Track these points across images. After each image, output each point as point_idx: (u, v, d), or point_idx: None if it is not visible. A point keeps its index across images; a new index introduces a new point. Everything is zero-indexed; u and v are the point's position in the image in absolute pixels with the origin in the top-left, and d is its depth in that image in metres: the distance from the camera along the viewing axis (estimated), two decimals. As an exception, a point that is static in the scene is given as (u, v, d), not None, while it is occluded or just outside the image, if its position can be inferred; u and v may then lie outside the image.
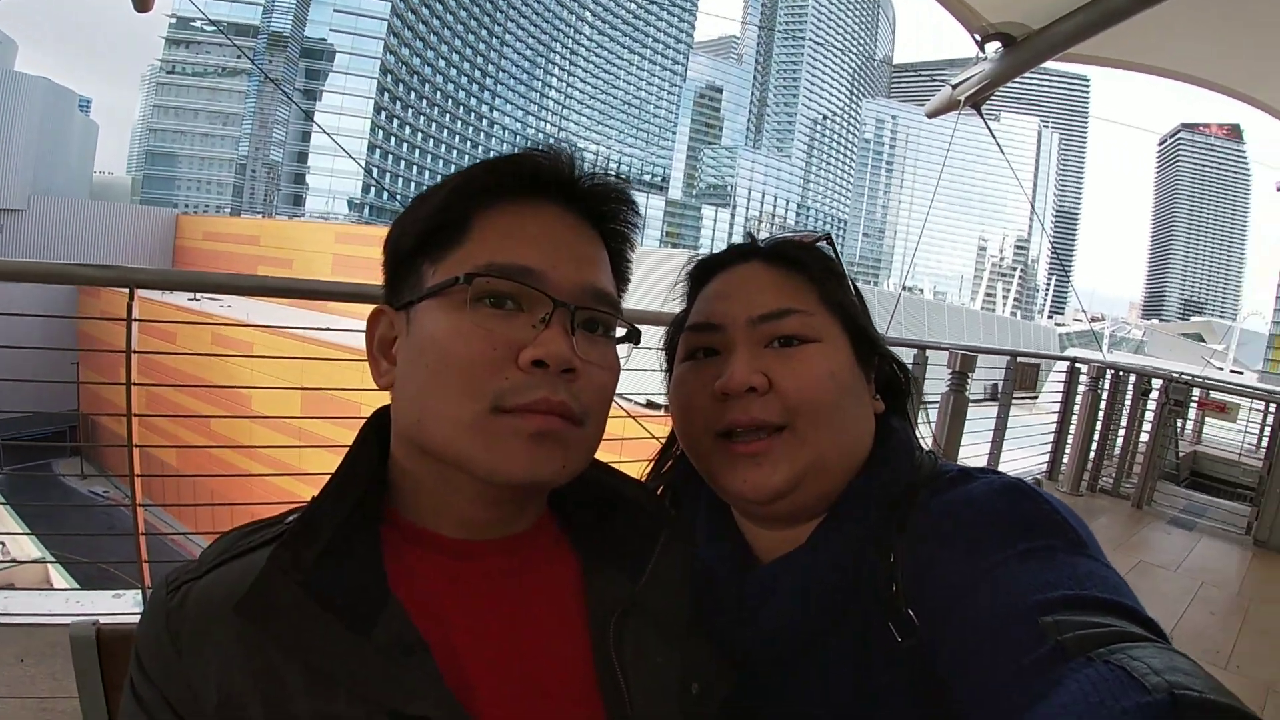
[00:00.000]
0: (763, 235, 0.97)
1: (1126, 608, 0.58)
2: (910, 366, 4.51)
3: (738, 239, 0.97)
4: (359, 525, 0.69)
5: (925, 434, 1.00)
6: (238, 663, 0.61)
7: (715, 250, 0.97)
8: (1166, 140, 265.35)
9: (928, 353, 4.72)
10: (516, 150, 0.73)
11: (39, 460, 29.31)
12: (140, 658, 0.65)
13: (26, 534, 11.45)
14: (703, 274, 0.96)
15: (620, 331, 0.78)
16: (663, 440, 1.07)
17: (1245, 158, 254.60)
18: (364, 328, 0.77)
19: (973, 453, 5.41)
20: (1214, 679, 0.48)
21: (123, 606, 2.78)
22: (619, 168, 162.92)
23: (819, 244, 0.95)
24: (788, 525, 0.87)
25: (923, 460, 0.88)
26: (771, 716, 0.84)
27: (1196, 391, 7.63)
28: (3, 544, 13.60)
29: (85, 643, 0.83)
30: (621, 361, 0.78)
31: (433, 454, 0.69)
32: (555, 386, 0.67)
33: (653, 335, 1.04)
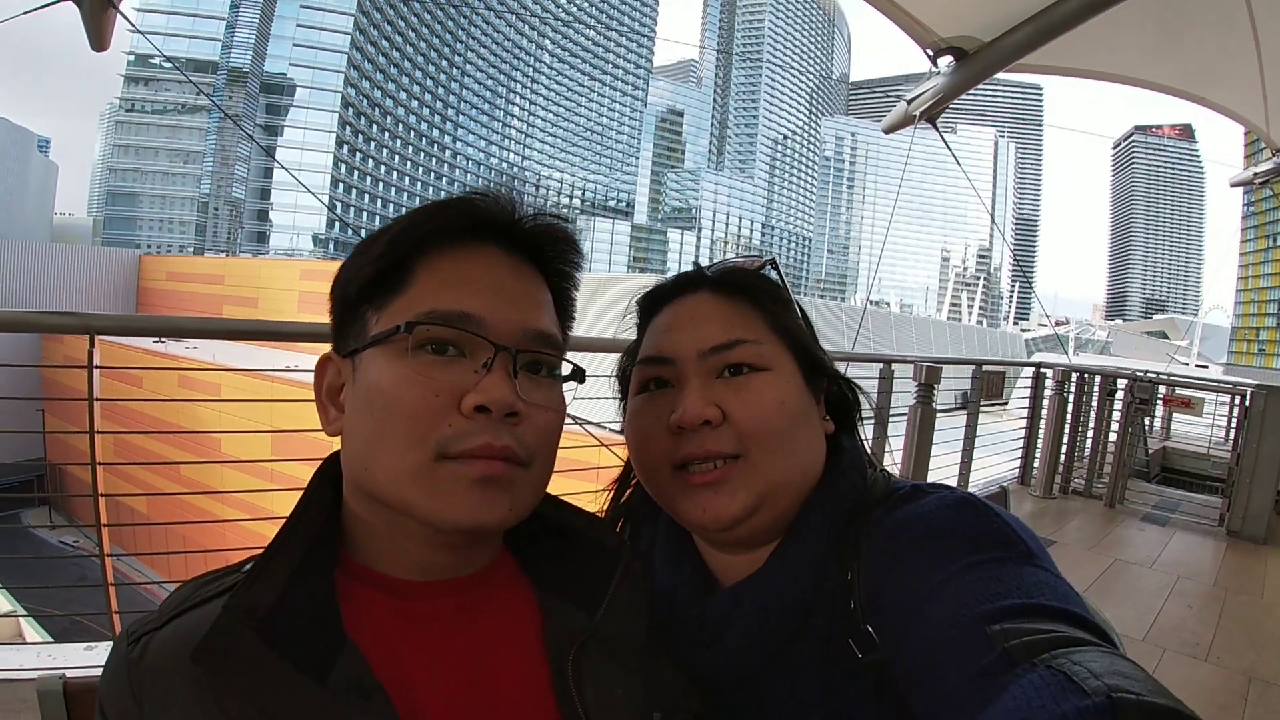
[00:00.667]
0: (719, 259, 0.98)
1: (1074, 615, 0.58)
2: (877, 381, 4.59)
3: (704, 261, 0.98)
4: (314, 570, 0.69)
5: (890, 447, 1.01)
6: (197, 711, 0.61)
7: (682, 272, 0.98)
8: (1120, 143, 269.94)
9: (893, 366, 4.76)
10: (469, 187, 0.73)
11: (7, 511, 28.66)
12: (105, 710, 0.66)
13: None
14: (652, 305, 0.97)
15: (565, 370, 0.78)
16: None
17: (1199, 156, 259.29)
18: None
19: (944, 462, 5.45)
20: (1156, 681, 0.48)
21: (95, 659, 2.70)
22: (584, 194, 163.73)
23: (765, 268, 0.96)
24: (746, 549, 0.89)
25: (875, 478, 0.90)
26: None
27: (1162, 389, 7.76)
28: (-31, 599, 13.29)
29: (53, 697, 0.84)
30: (569, 399, 0.79)
31: (380, 501, 0.69)
32: (499, 431, 0.67)
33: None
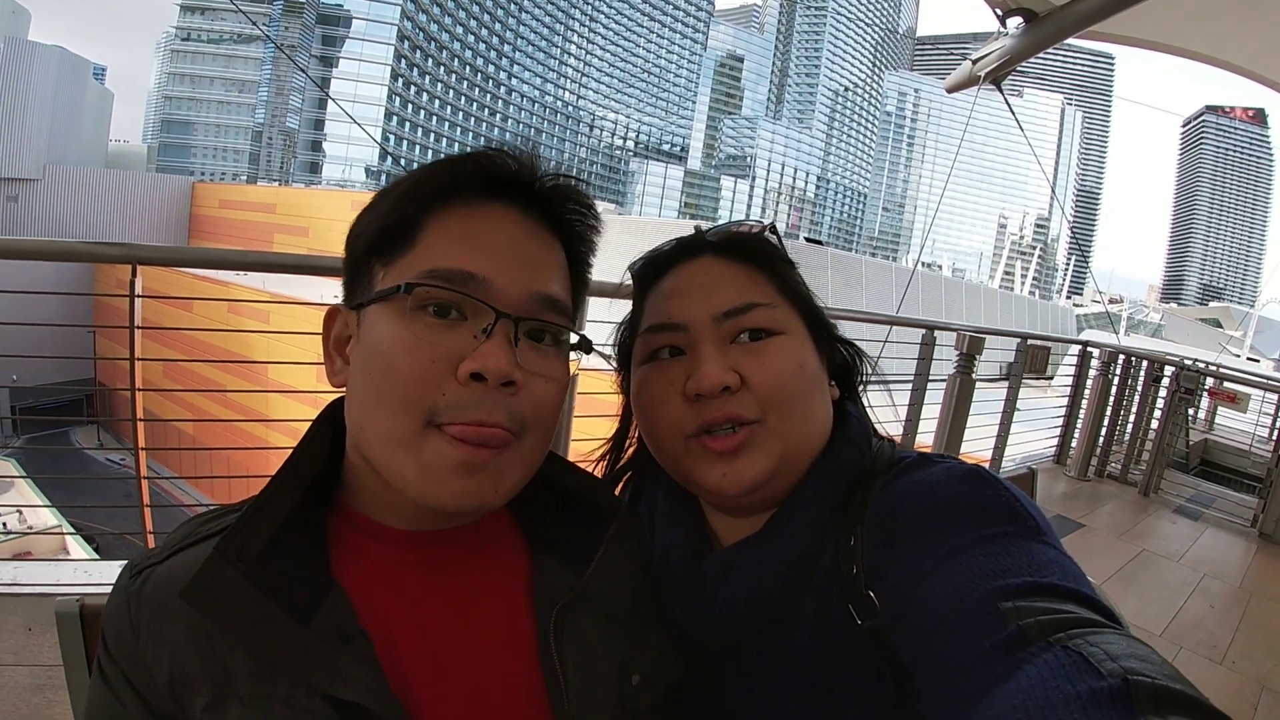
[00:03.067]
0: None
1: (1085, 596, 0.58)
2: (919, 347, 4.52)
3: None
4: (307, 515, 0.70)
5: (890, 416, 1.00)
6: (187, 646, 0.63)
7: (681, 236, 0.96)
8: (1190, 122, 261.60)
9: (936, 333, 4.69)
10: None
11: (58, 429, 29.70)
12: (105, 636, 0.68)
13: (45, 505, 11.61)
14: (651, 272, 0.95)
15: (573, 339, 0.77)
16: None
17: (1269, 143, 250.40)
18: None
19: (980, 434, 5.39)
20: (1171, 666, 0.48)
21: (129, 578, 2.81)
22: (637, 137, 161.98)
23: (766, 234, 0.94)
24: (754, 513, 0.88)
25: (880, 446, 0.90)
26: (731, 700, 0.85)
27: (1209, 380, 7.55)
28: (19, 512, 13.83)
29: (70, 618, 0.85)
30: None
31: (370, 464, 0.69)
32: (492, 406, 0.66)
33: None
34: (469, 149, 0.72)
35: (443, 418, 0.65)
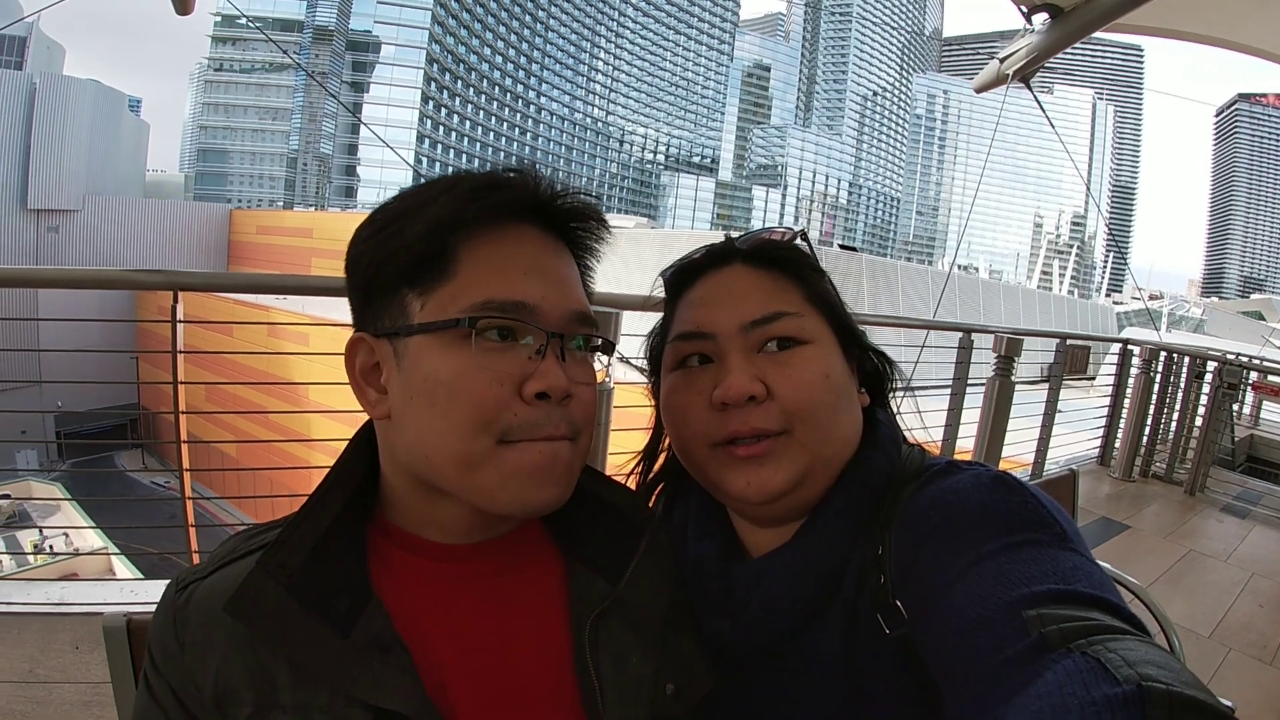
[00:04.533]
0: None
1: (1110, 603, 0.58)
2: (956, 350, 4.48)
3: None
4: (346, 529, 0.73)
5: (923, 423, 0.99)
6: (231, 658, 0.66)
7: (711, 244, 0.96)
8: (1223, 111, 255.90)
9: (973, 336, 4.65)
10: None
11: (103, 453, 30.34)
12: (151, 650, 0.71)
13: (91, 527, 11.87)
14: (682, 280, 0.95)
15: (596, 342, 0.81)
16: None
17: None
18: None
19: (1022, 437, 5.33)
20: (1190, 673, 0.48)
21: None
22: (668, 150, 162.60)
23: (796, 241, 0.94)
24: (783, 523, 0.88)
25: (909, 453, 0.90)
26: (761, 709, 0.86)
27: (1253, 375, 7.39)
28: (66, 534, 14.14)
29: (117, 633, 0.87)
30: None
31: (439, 489, 0.72)
32: (558, 419, 0.71)
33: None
34: (497, 167, 0.75)
35: (515, 435, 0.69)
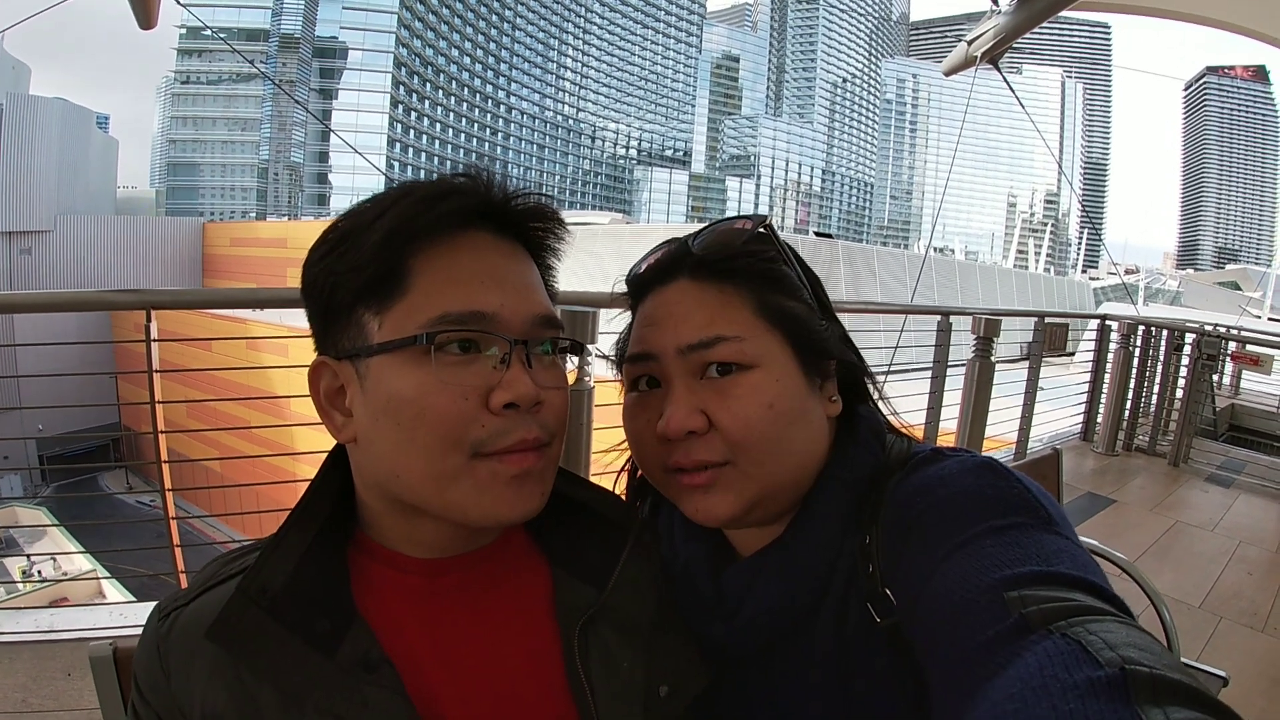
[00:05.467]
0: (710, 223, 0.91)
1: (1093, 584, 0.57)
2: (935, 334, 4.50)
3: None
4: (325, 550, 0.72)
5: (907, 407, 0.98)
6: (216, 685, 0.66)
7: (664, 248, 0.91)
8: (1192, 85, 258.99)
9: (952, 319, 4.67)
10: (463, 168, 0.74)
11: (85, 475, 30.04)
12: (138, 679, 0.71)
13: (80, 552, 11.77)
14: (637, 290, 0.92)
15: (564, 344, 0.80)
16: None
17: (1272, 99, 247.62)
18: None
19: (1004, 416, 5.34)
20: (1171, 656, 0.48)
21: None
22: (639, 145, 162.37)
23: (757, 231, 0.87)
24: (770, 523, 0.87)
25: (894, 443, 0.88)
26: (756, 708, 0.85)
27: (1231, 345, 7.46)
28: (54, 559, 13.99)
29: (104, 663, 0.87)
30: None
31: (413, 506, 0.71)
32: (529, 425, 0.70)
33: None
34: (468, 168, 0.74)
35: (487, 448, 0.68)
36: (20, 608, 4.62)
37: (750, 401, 0.80)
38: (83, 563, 13.18)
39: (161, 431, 2.87)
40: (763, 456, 0.80)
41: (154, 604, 0.73)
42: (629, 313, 0.95)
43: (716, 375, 0.81)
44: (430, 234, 0.69)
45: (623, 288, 0.96)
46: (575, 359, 0.83)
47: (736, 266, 0.84)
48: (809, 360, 0.85)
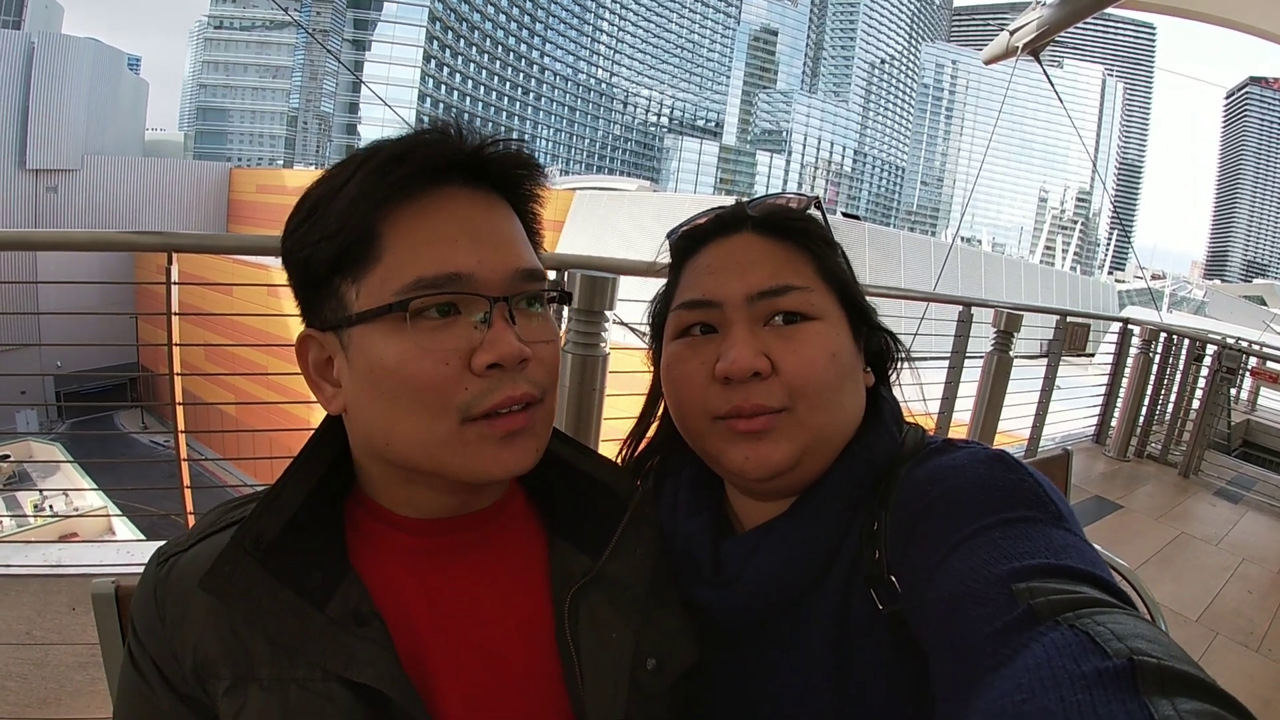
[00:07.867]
0: (766, 194, 0.92)
1: (1100, 578, 0.57)
2: (955, 324, 4.47)
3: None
4: (323, 502, 0.73)
5: (915, 395, 0.97)
6: (209, 632, 0.66)
7: (721, 208, 0.92)
8: (1233, 94, 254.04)
9: (973, 310, 4.64)
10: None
11: (100, 413, 30.41)
12: (134, 622, 0.71)
13: (92, 489, 11.88)
14: (688, 245, 0.92)
15: (552, 295, 0.78)
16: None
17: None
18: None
19: (1019, 413, 5.32)
20: (1179, 648, 0.47)
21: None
22: (671, 113, 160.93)
23: (810, 209, 0.90)
24: (781, 498, 0.87)
25: (908, 431, 0.88)
26: (752, 683, 0.85)
27: (1252, 360, 7.37)
28: (65, 495, 14.18)
29: (106, 600, 0.87)
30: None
31: (407, 469, 0.70)
32: (515, 381, 0.68)
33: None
34: (501, 128, 0.71)
35: (475, 409, 0.66)
36: (30, 541, 4.70)
37: (816, 347, 0.81)
38: (94, 499, 13.35)
39: (178, 374, 2.89)
40: (821, 403, 0.80)
41: (160, 543, 0.76)
42: (661, 278, 0.96)
43: (781, 323, 0.82)
44: (399, 195, 0.66)
45: (652, 256, 0.96)
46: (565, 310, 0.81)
47: (798, 227, 0.86)
48: (857, 325, 0.87)
